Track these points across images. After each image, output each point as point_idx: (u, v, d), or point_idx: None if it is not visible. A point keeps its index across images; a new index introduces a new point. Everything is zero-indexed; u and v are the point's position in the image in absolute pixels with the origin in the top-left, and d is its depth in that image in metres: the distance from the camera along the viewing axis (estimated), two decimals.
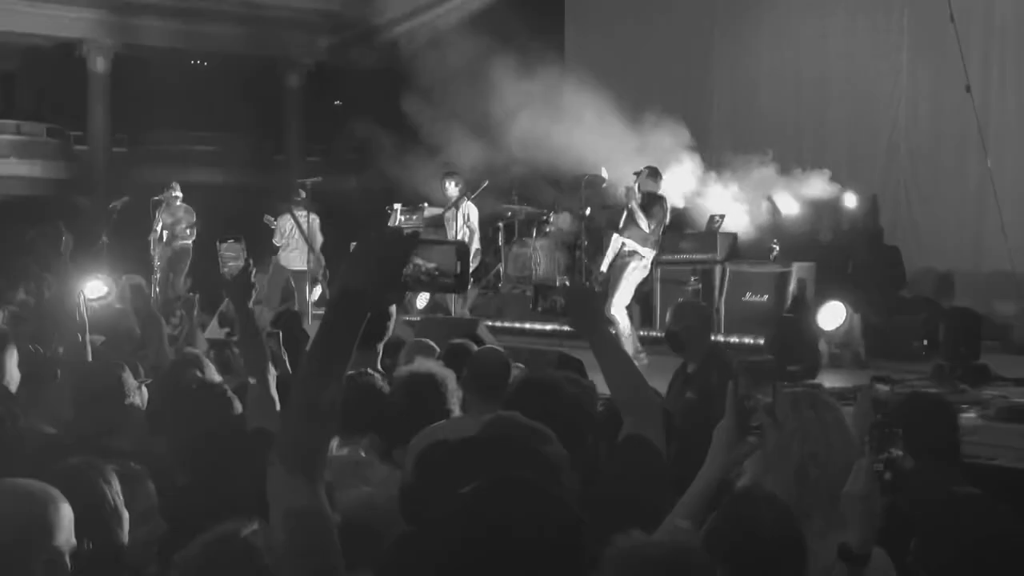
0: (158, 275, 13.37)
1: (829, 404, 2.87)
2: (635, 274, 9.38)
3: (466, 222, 11.65)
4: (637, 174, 9.66)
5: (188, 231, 13.42)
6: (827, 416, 2.79)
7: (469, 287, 10.06)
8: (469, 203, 11.74)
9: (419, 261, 1.97)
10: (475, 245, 11.61)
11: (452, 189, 11.71)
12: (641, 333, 10.38)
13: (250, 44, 20.18)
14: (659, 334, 8.89)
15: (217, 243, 3.45)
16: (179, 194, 13.52)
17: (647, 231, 9.26)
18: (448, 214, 11.79)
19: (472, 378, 4.09)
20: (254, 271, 3.46)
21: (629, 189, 9.50)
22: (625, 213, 9.48)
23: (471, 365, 4.21)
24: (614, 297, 9.21)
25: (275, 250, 12.71)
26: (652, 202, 9.38)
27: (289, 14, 20.13)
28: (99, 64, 19.43)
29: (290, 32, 20.29)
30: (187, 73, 21.35)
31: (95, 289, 8.94)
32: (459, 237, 11.49)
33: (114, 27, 19.24)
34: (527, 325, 11.91)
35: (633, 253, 9.34)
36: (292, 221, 12.52)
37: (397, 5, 17.52)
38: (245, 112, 20.09)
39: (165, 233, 13.43)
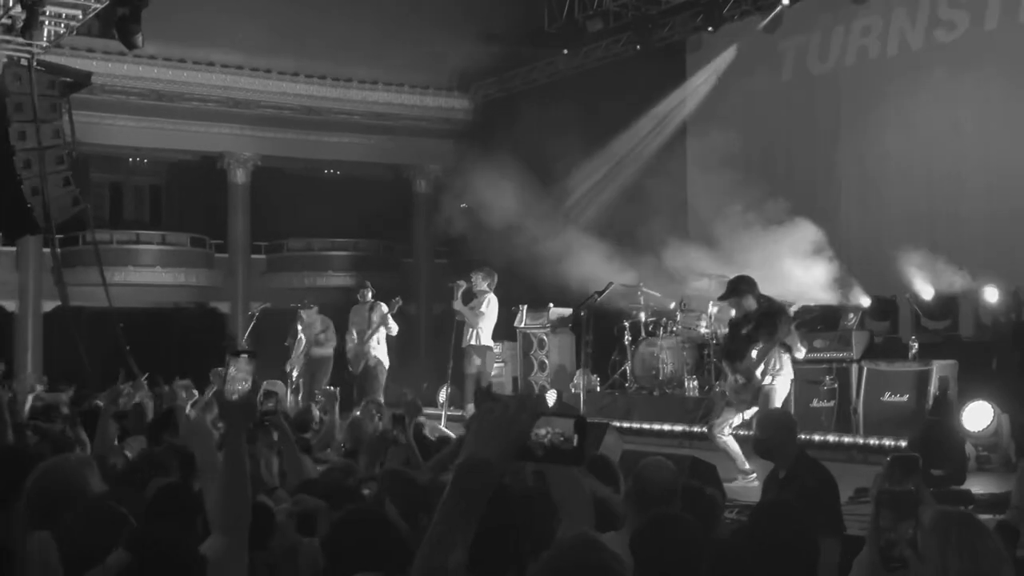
0: (301, 382, 13.78)
1: (983, 530, 2.67)
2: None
3: (484, 308, 12.34)
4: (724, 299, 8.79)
5: (324, 339, 13.81)
6: (979, 545, 2.60)
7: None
8: (491, 295, 12.46)
9: (541, 431, 2.04)
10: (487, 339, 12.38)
11: (481, 283, 12.45)
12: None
13: (378, 153, 20.95)
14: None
15: (228, 357, 3.03)
16: (315, 306, 14.04)
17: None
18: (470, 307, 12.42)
19: (636, 492, 4.02)
20: (261, 395, 2.99)
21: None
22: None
23: (636, 478, 4.10)
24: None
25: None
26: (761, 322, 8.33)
27: (415, 123, 20.84)
28: (239, 176, 20.39)
29: (417, 139, 20.94)
30: (320, 182, 22.23)
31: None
32: (477, 331, 12.26)
33: (252, 141, 20.22)
34: (655, 426, 11.77)
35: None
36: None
37: None
38: (375, 217, 20.70)
39: (303, 343, 13.86)
